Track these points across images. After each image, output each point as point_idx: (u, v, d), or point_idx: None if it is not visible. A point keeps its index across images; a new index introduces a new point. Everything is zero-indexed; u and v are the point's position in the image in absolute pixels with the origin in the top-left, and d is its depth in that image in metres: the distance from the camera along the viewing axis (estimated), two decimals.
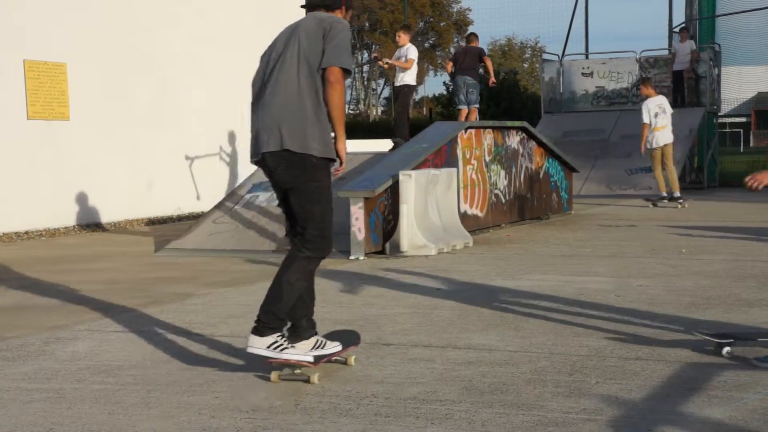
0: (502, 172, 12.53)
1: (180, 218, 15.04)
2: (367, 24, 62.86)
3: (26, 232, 12.49)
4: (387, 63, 13.60)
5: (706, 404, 4.09)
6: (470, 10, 63.86)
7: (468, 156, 11.57)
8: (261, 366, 4.73)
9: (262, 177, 11.81)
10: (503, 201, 12.53)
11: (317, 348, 4.71)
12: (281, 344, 4.62)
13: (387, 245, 9.82)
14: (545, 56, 25.32)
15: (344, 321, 6.16)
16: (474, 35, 14.71)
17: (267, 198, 11.19)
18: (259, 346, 4.63)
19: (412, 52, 13.02)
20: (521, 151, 13.14)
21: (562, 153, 14.76)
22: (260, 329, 4.62)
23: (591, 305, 6.58)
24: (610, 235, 11.29)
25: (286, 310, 4.64)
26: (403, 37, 13.14)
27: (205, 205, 14.90)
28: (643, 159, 17.06)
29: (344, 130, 4.72)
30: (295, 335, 4.74)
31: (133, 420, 4.05)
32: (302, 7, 5.01)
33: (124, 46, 14.24)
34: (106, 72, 13.93)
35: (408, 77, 13.04)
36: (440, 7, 63.56)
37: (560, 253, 9.64)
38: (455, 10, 64.92)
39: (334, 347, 4.77)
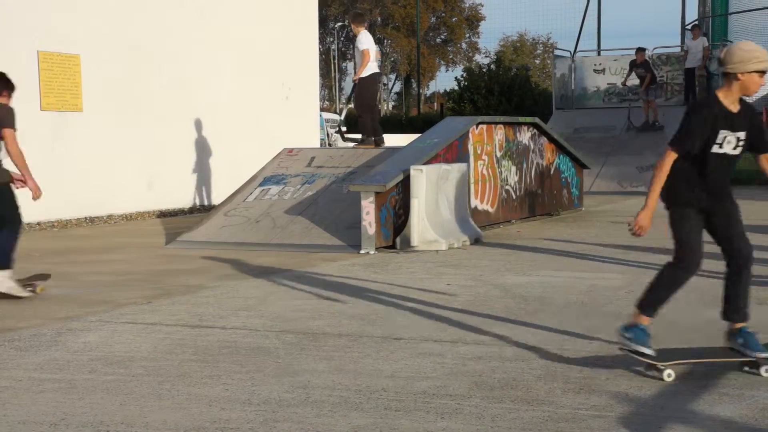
0: (513, 168, 12.51)
1: (191, 211, 15.07)
2: (379, 19, 62.79)
3: (38, 223, 12.53)
4: (357, 78, 12.52)
5: (717, 402, 4.09)
6: (482, 6, 63.79)
7: (479, 151, 11.56)
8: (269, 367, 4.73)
9: (274, 170, 11.86)
10: (514, 197, 12.52)
11: None
12: None
13: (397, 240, 9.82)
14: (557, 52, 25.24)
15: (355, 315, 6.18)
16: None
17: (278, 191, 11.20)
18: None
19: (363, 41, 12.37)
20: (532, 147, 13.12)
21: (573, 149, 14.73)
22: None
23: (602, 301, 6.57)
24: (621, 232, 11.26)
25: None
26: (356, 28, 12.53)
27: (217, 198, 14.92)
28: (654, 156, 17.00)
29: None
30: None
31: (144, 411, 4.07)
32: None
33: (138, 39, 14.26)
34: (119, 64, 13.95)
35: (373, 65, 12.45)
36: (452, 2, 63.45)
37: (571, 250, 9.63)
38: (467, 5, 64.80)
39: None
